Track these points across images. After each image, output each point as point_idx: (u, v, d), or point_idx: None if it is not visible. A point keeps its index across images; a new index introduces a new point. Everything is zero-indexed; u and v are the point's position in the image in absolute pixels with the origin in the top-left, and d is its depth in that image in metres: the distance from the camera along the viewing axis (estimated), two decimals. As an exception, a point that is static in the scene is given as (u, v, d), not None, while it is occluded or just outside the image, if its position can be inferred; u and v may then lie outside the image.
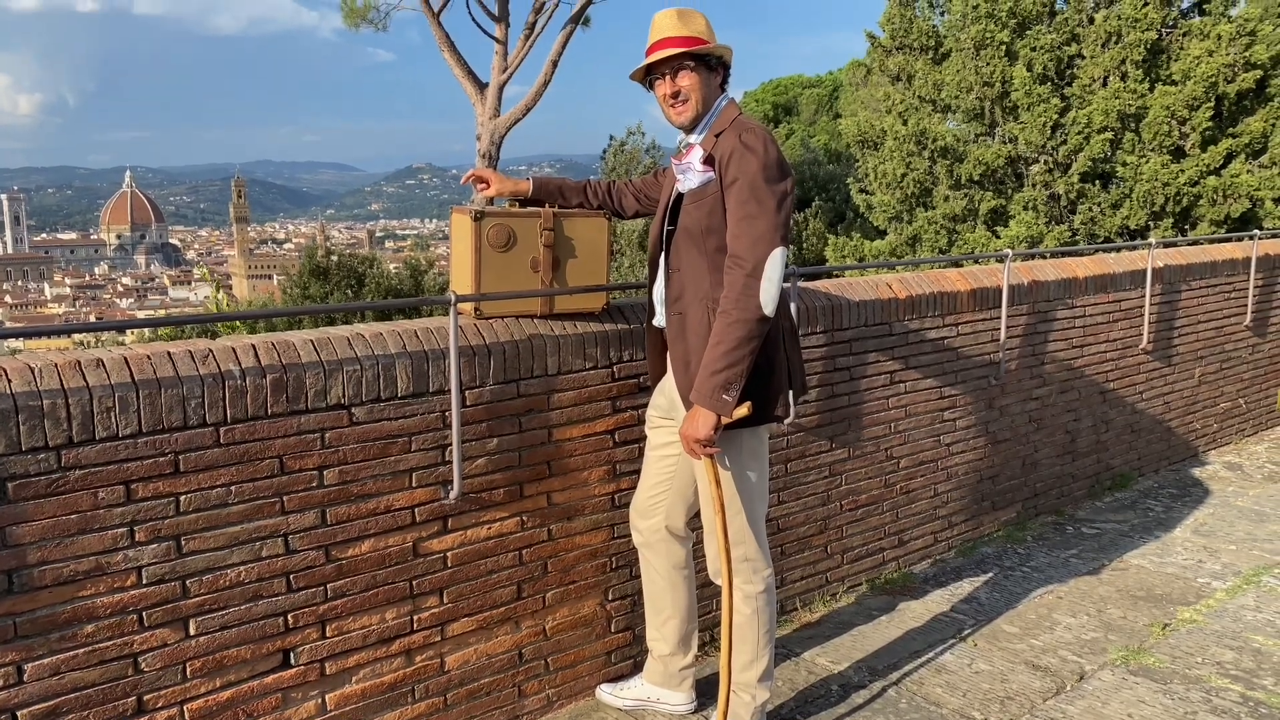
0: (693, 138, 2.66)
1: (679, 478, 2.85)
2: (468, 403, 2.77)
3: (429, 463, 2.72)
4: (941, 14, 12.09)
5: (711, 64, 2.64)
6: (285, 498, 2.47)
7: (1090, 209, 10.70)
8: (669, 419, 2.81)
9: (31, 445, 2.10)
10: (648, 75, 2.67)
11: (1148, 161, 10.69)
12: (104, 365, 2.21)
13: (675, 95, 2.63)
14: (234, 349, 2.41)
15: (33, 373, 2.13)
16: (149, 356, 2.29)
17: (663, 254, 2.72)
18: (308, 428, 2.49)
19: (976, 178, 11.52)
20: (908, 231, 12.06)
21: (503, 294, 2.87)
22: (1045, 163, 11.10)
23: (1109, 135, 10.38)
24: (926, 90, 11.74)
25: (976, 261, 4.74)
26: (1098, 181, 10.85)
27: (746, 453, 2.68)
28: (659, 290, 2.76)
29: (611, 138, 22.28)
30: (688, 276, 2.62)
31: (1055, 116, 10.70)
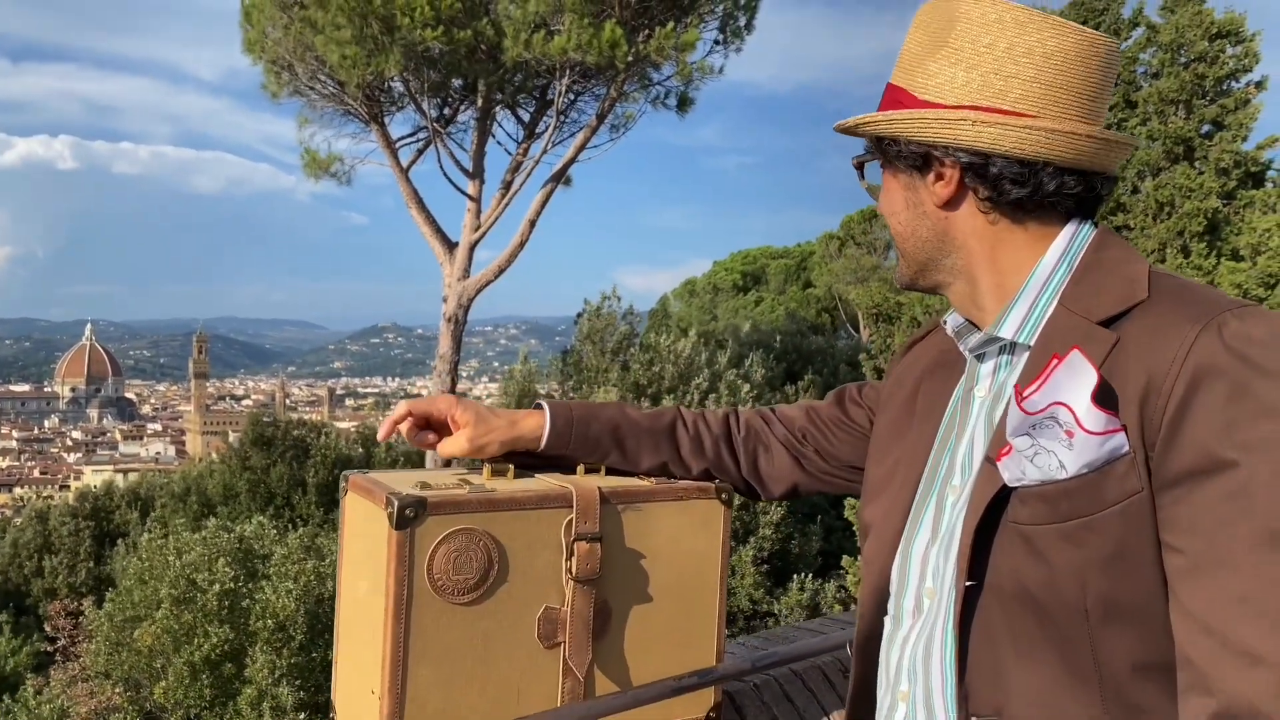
0: (1005, 326, 0.96)
1: None
2: None
3: None
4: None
5: (956, 159, 0.96)
6: None
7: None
8: None
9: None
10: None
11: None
12: None
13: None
14: None
15: None
16: None
17: (931, 651, 0.94)
18: None
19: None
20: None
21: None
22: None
23: (1181, 316, 8.98)
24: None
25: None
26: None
27: None
28: None
29: (586, 301, 20.81)
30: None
31: (1116, 293, 9.32)
